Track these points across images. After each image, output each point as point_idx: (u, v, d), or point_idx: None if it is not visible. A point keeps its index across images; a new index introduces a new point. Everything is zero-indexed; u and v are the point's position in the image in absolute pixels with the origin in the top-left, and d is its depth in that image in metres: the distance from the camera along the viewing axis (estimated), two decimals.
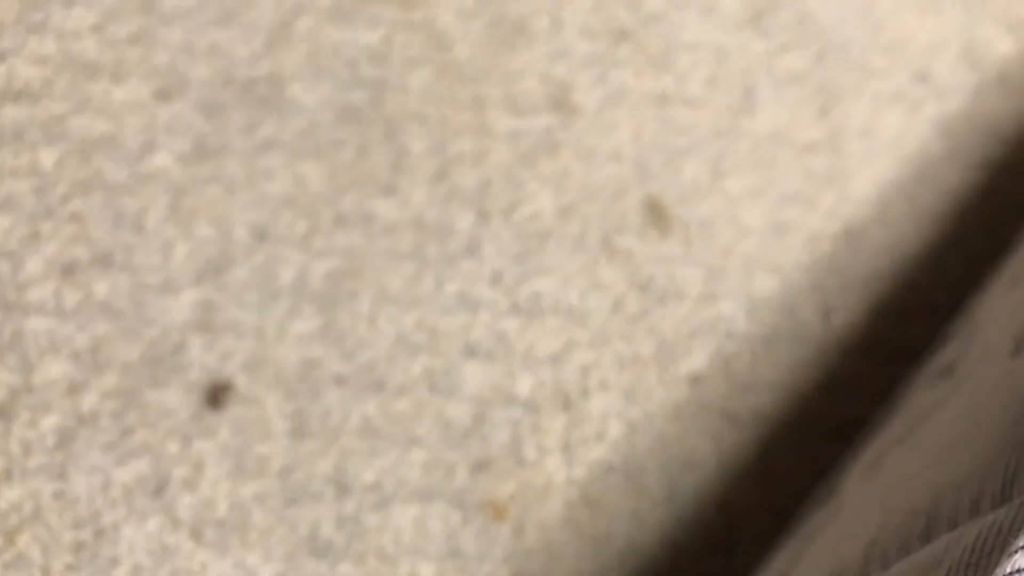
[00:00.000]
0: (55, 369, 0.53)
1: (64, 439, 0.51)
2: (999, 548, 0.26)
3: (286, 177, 0.60)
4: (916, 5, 0.70)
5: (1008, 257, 0.54)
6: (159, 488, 0.51)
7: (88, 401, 0.52)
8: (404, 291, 0.57)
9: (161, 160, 0.60)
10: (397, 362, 0.55)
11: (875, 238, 0.62)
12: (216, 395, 0.52)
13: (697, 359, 0.57)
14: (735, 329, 0.58)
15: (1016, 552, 0.25)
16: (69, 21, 0.63)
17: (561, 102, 0.64)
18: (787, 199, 0.63)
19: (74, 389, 0.52)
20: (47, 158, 0.59)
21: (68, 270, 0.55)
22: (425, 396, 0.54)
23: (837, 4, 0.69)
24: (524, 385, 0.55)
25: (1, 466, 0.51)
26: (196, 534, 0.50)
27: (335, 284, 0.57)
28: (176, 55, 0.62)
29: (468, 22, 0.66)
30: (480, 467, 0.53)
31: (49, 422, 0.52)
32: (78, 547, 0.49)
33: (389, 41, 0.64)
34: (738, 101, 0.66)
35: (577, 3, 0.67)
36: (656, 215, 0.61)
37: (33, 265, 0.55)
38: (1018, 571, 0.25)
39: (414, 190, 0.60)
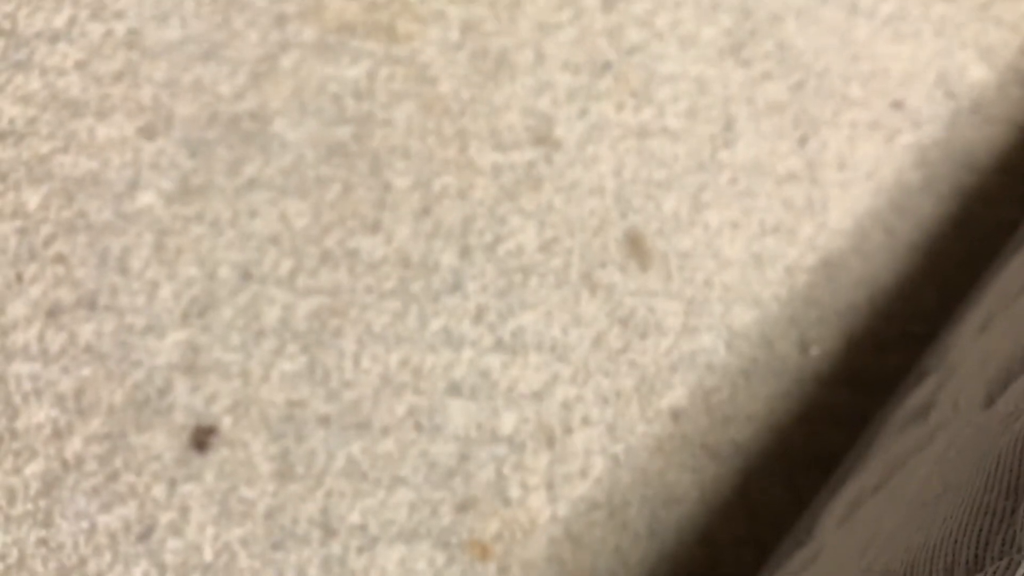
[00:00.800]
0: (39, 414, 0.53)
1: (49, 485, 0.51)
2: None
3: (271, 215, 0.60)
4: (892, 34, 0.71)
5: (980, 296, 0.55)
6: (145, 533, 0.51)
7: (73, 446, 0.52)
8: (388, 329, 0.57)
9: (146, 199, 0.60)
10: (382, 402, 0.55)
11: (852, 269, 0.63)
12: (201, 438, 0.52)
13: (678, 393, 0.58)
14: (715, 362, 0.59)
15: None
16: (53, 58, 0.62)
17: (543, 136, 0.64)
18: (766, 230, 0.63)
19: (59, 434, 0.52)
20: (31, 199, 0.59)
21: (52, 313, 0.55)
22: (410, 436, 0.55)
23: (815, 33, 0.70)
24: (508, 422, 0.56)
25: None
26: None
27: (320, 323, 0.57)
28: (160, 91, 0.62)
29: (452, 56, 0.66)
30: (465, 506, 0.53)
31: (33, 468, 0.51)
32: None
33: (373, 76, 0.65)
34: (718, 132, 0.66)
35: (560, 36, 0.68)
36: (637, 248, 0.62)
37: (17, 308, 0.55)
38: None
39: (398, 227, 0.60)
